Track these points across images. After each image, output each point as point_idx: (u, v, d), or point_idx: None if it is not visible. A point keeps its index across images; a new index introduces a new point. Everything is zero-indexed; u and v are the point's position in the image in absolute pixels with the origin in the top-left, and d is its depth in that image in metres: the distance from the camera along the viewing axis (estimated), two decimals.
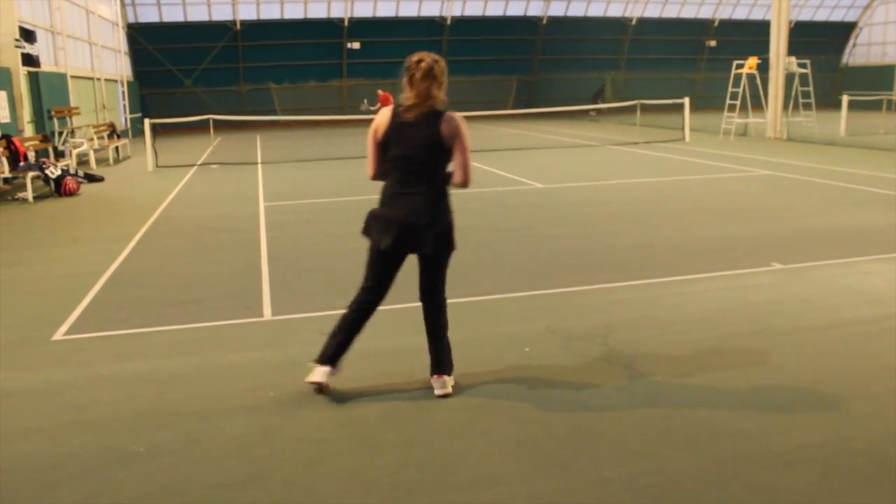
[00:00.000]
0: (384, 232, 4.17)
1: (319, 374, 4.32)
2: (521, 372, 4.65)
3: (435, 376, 4.43)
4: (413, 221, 4.15)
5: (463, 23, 35.95)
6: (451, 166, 4.21)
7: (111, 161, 18.99)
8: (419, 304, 5.98)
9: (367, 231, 4.31)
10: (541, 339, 5.21)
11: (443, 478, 3.42)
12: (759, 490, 3.23)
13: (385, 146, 4.17)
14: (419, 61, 4.06)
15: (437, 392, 4.36)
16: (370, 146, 4.24)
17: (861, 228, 8.55)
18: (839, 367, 4.62)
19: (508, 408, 4.14)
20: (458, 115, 4.15)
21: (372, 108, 30.05)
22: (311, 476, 3.46)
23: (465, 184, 4.19)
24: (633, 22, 38.43)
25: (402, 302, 6.16)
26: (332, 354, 4.35)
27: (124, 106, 28.74)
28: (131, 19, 31.72)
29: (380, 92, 31.72)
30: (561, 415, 4.04)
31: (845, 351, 4.87)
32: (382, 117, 4.18)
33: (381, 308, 5.96)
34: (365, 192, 12.39)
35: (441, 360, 4.44)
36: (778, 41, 21.45)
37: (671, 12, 38.93)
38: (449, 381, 4.40)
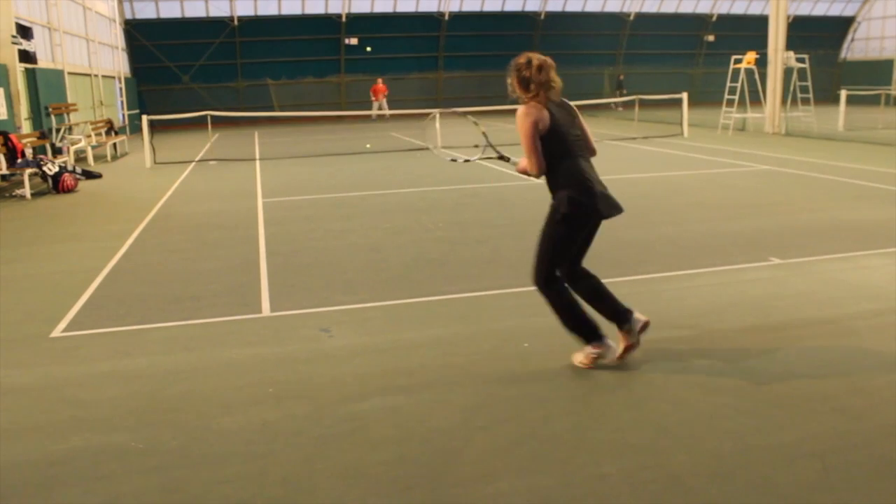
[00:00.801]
0: (608, 204, 4.44)
1: (598, 351, 4.47)
2: (520, 367, 4.65)
3: (632, 318, 4.60)
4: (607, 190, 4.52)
5: (461, 18, 35.90)
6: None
7: (109, 158, 18.96)
8: (415, 300, 6.00)
9: (582, 211, 4.39)
10: (539, 334, 5.21)
11: (442, 473, 3.42)
12: (758, 485, 3.23)
13: (553, 136, 4.39)
14: (531, 61, 4.46)
15: (642, 323, 4.61)
16: (536, 142, 4.40)
17: (860, 223, 8.55)
18: (838, 361, 4.62)
19: (507, 403, 4.14)
20: None
21: (380, 110, 30.45)
22: (310, 472, 3.46)
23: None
24: (632, 17, 38.39)
25: (400, 298, 6.17)
26: (594, 330, 4.48)
27: (122, 102, 28.68)
28: (128, 15, 31.65)
29: (380, 81, 31.85)
30: (560, 410, 4.04)
31: (844, 346, 4.87)
32: (538, 113, 4.37)
33: (377, 304, 6.00)
34: (364, 189, 12.44)
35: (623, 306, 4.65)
36: (776, 36, 21.42)
37: (669, 7, 38.88)
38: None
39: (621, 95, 30.45)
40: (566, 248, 4.49)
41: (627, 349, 4.61)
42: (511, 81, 4.50)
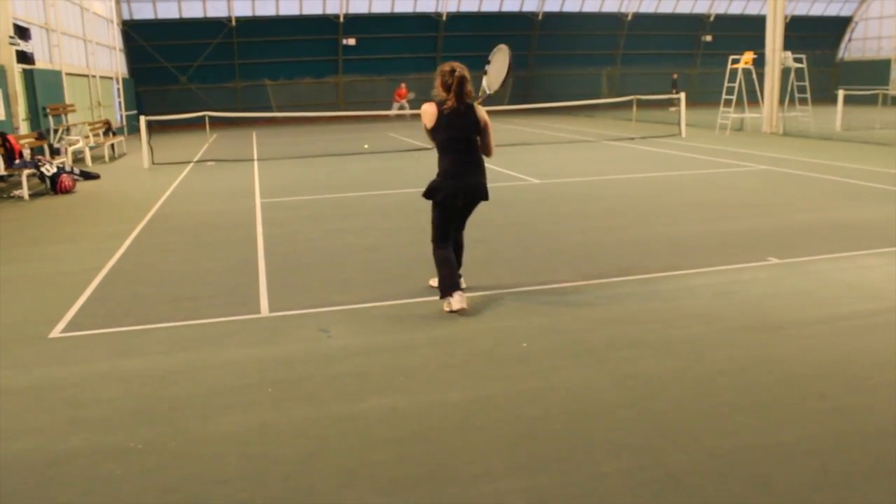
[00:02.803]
0: (454, 195, 5.81)
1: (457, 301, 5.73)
2: (519, 367, 4.66)
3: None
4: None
5: (459, 18, 35.91)
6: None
7: (107, 158, 18.94)
8: (413, 300, 6.04)
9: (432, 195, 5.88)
10: (538, 334, 5.22)
11: (440, 473, 3.42)
12: (756, 484, 3.24)
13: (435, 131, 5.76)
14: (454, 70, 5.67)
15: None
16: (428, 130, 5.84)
17: (857, 223, 8.56)
18: (835, 361, 4.63)
19: (505, 403, 4.15)
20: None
21: (401, 110, 30.59)
22: (309, 472, 3.46)
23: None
24: (629, 17, 38.42)
25: (399, 298, 6.18)
26: (454, 283, 5.85)
27: (120, 103, 28.65)
28: (126, 16, 31.63)
29: (403, 86, 31.92)
30: (558, 409, 4.05)
31: (841, 345, 4.89)
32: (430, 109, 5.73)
33: (376, 304, 6.01)
34: (362, 189, 12.43)
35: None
36: (774, 36, 21.45)
37: (667, 7, 38.93)
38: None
39: (677, 94, 30.30)
40: (442, 221, 6.01)
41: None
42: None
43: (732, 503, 3.12)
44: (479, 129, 5.78)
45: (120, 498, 3.29)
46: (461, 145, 5.76)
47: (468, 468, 3.46)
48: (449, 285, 5.77)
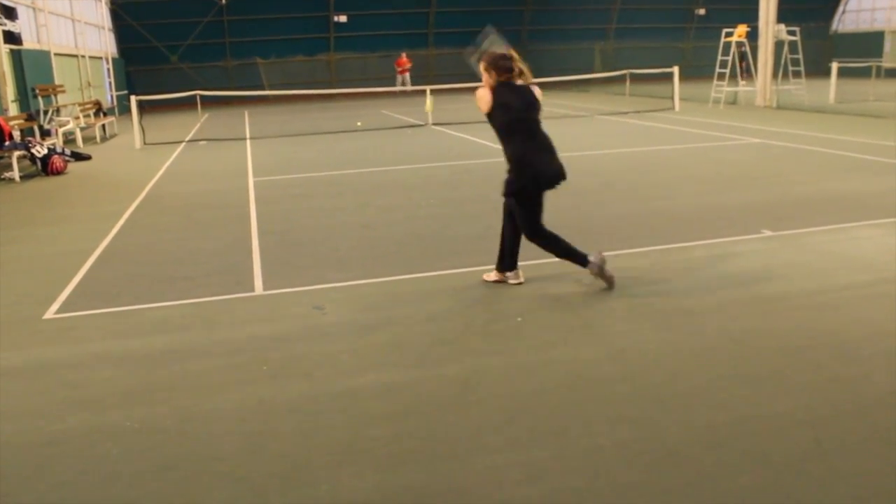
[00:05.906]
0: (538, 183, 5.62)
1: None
2: (514, 341, 4.66)
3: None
4: None
5: None
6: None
7: (98, 139, 18.81)
8: (408, 276, 6.03)
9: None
10: (533, 308, 5.22)
11: (436, 448, 3.43)
12: (752, 455, 3.26)
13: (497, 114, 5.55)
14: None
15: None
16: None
17: (851, 195, 8.57)
18: (830, 332, 4.64)
19: (501, 377, 4.15)
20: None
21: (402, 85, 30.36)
22: (306, 448, 3.47)
23: None
24: None
25: (393, 274, 6.17)
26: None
27: (110, 83, 28.40)
28: None
29: (403, 55, 32.01)
30: (553, 383, 4.05)
31: (836, 316, 4.90)
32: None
33: (370, 281, 6.00)
34: (355, 166, 12.39)
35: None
36: (767, 9, 21.31)
37: None
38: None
39: (743, 68, 30.11)
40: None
41: None
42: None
43: (728, 474, 3.13)
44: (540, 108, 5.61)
45: (117, 477, 3.30)
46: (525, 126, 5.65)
47: (464, 443, 3.46)
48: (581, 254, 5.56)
